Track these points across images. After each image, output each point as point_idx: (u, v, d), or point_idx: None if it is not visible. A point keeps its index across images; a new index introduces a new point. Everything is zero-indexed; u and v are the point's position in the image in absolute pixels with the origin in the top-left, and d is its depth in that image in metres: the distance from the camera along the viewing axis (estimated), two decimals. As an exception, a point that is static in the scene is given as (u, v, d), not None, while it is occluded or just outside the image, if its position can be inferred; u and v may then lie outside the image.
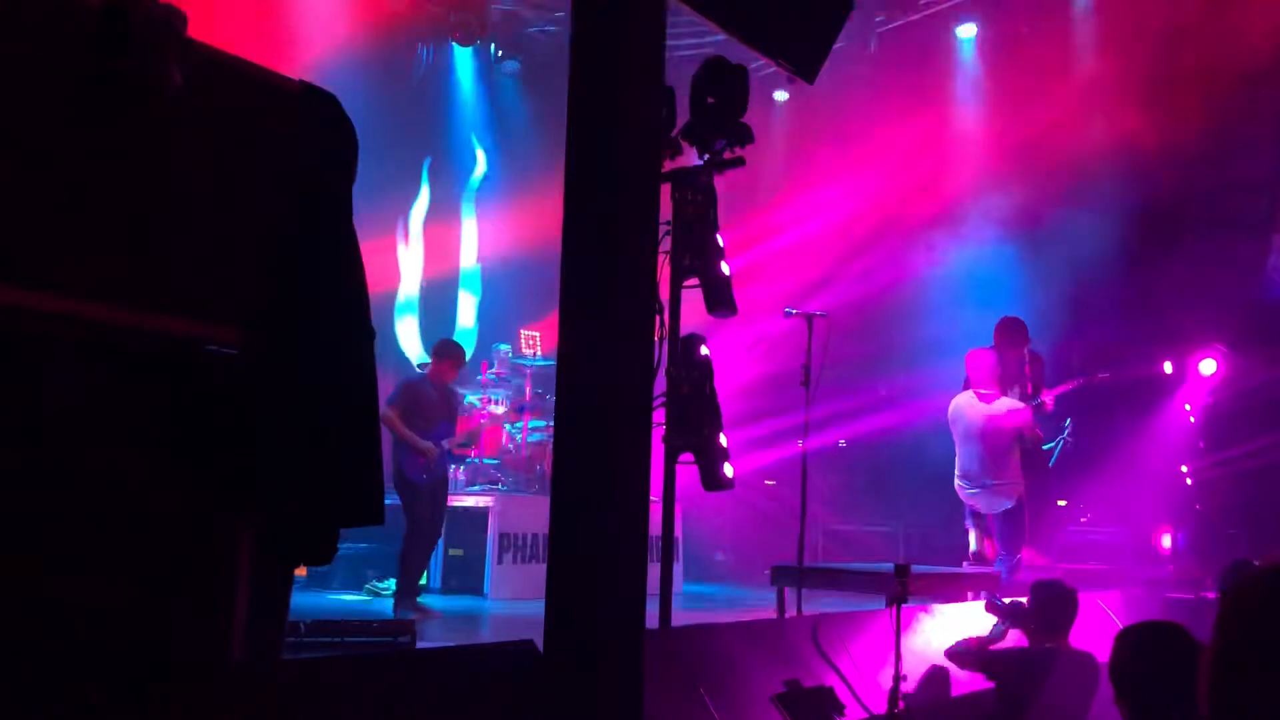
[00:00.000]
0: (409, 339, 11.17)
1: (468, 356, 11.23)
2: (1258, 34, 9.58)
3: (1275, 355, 9.90)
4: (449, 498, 9.10)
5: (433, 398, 7.93)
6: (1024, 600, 4.85)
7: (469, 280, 11.86)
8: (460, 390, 8.66)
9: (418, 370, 9.67)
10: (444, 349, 8.31)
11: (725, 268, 4.80)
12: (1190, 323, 10.05)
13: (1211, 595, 7.66)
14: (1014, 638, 4.86)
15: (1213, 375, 9.86)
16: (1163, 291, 10.22)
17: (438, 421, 7.86)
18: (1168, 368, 10.12)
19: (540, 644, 3.07)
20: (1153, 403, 9.93)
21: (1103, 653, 3.19)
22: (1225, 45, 9.74)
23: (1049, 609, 4.64)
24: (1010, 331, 8.36)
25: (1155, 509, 9.60)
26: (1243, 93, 9.92)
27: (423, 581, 8.74)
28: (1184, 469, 9.60)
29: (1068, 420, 9.44)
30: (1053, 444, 9.35)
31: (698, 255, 4.71)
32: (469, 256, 11.89)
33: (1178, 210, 10.29)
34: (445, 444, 7.88)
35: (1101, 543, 9.13)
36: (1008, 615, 4.86)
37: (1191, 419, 9.73)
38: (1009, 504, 7.93)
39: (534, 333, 10.33)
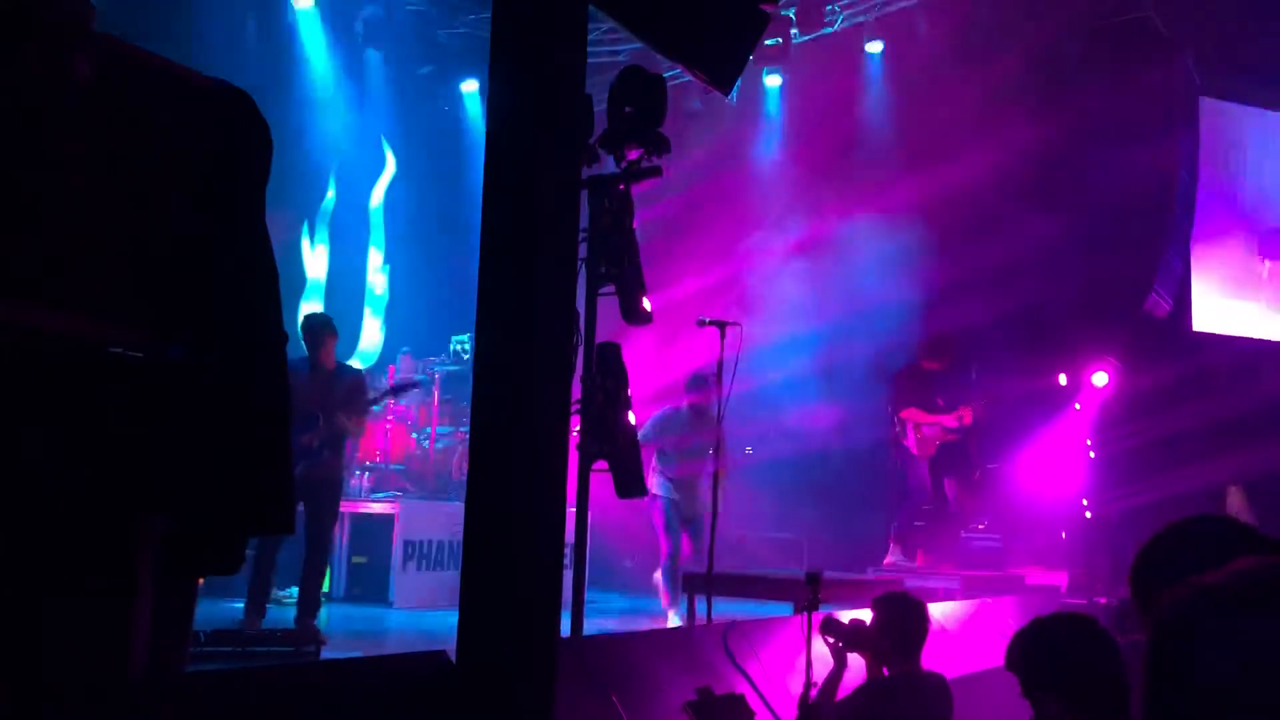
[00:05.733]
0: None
1: (370, 359, 11.05)
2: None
3: (1159, 367, 10.35)
4: (352, 503, 8.92)
5: (308, 386, 6.61)
6: (865, 619, 4.19)
7: (377, 284, 11.69)
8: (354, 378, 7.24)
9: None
10: (311, 327, 6.91)
11: (641, 275, 4.81)
12: (1083, 338, 10.42)
13: (1102, 600, 7.93)
14: (856, 665, 4.12)
15: (1105, 387, 10.23)
16: (1057, 307, 10.59)
17: (313, 412, 6.66)
18: (1062, 380, 10.47)
19: (452, 653, 3.04)
20: (1048, 413, 10.26)
21: (997, 657, 3.21)
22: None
23: (900, 628, 3.98)
24: (940, 346, 8.58)
25: (1049, 516, 9.91)
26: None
27: (326, 589, 8.57)
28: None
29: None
30: (996, 464, 9.58)
31: (614, 263, 4.72)
32: (376, 259, 11.72)
33: (1069, 227, 10.67)
34: (309, 437, 6.59)
35: (997, 549, 9.38)
36: (847, 639, 4.10)
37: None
38: None
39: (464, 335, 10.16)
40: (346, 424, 6.76)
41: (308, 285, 10.95)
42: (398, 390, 8.30)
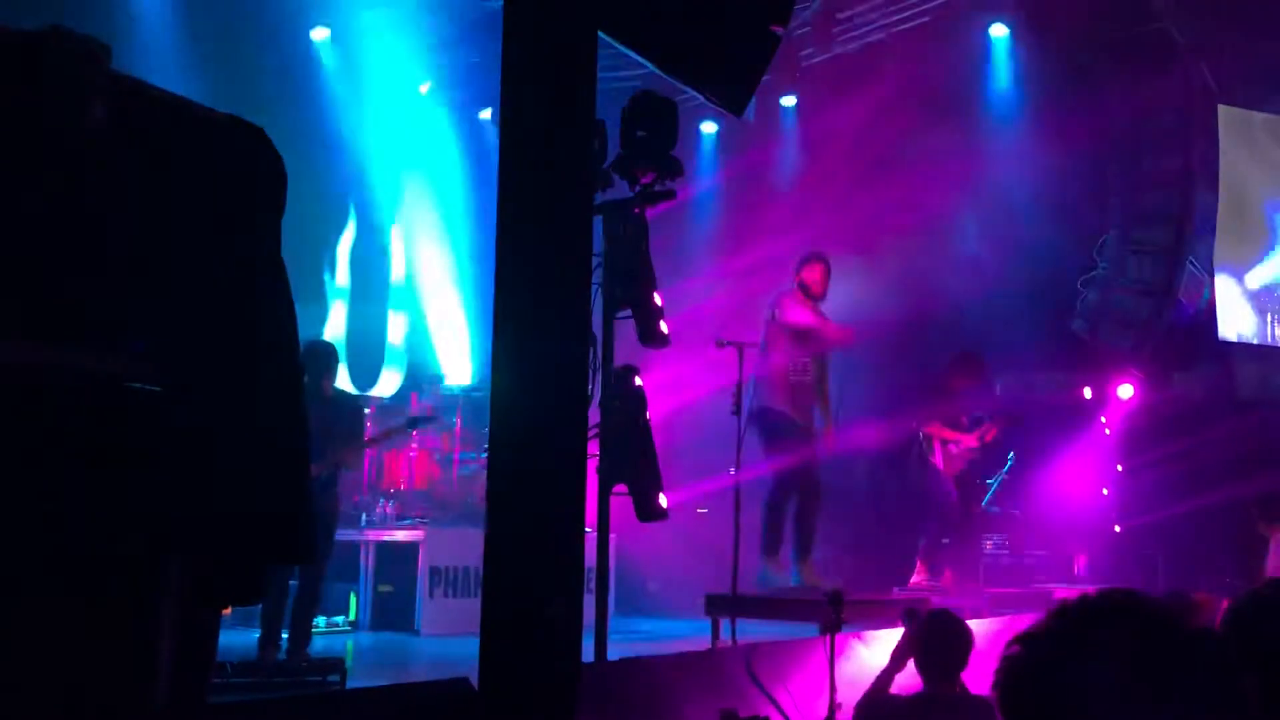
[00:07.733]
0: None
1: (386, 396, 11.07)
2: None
3: (1185, 378, 10.25)
4: (376, 531, 8.94)
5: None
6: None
7: (398, 312, 11.75)
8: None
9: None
10: (314, 353, 6.46)
11: (658, 298, 4.82)
12: (1107, 350, 10.34)
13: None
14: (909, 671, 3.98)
15: (1130, 399, 10.14)
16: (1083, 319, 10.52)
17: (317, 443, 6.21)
18: (1087, 393, 10.39)
19: (475, 680, 3.03)
20: (1073, 427, 10.17)
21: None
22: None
23: (939, 648, 3.87)
24: (968, 365, 8.49)
25: (1075, 531, 9.81)
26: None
27: (353, 617, 8.58)
28: (1105, 491, 9.83)
29: (1010, 455, 9.55)
30: (993, 479, 9.45)
31: (630, 286, 4.73)
32: (398, 287, 11.79)
33: (1093, 237, 10.61)
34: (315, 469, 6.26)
35: (1022, 565, 9.28)
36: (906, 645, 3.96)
37: (1107, 431, 9.99)
38: None
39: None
40: (345, 456, 6.56)
41: (328, 315, 11.02)
42: (414, 424, 8.26)
